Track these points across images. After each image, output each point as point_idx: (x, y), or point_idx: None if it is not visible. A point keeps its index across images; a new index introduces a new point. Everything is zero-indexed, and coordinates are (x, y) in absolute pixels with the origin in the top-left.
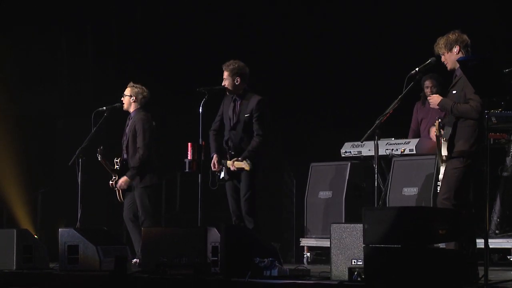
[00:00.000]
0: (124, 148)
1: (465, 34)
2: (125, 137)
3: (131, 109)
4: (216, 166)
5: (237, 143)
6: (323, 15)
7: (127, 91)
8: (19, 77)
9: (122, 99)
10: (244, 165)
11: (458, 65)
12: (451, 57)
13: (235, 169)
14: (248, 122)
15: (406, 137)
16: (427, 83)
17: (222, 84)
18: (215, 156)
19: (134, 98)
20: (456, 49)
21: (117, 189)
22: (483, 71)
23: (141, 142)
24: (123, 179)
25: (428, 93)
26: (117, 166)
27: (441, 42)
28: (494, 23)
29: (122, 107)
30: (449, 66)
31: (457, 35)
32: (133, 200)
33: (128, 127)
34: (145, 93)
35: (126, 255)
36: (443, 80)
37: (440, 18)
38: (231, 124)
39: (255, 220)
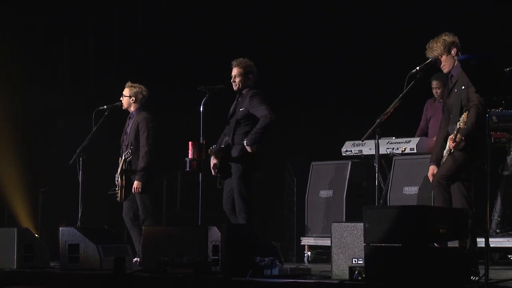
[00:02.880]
0: (124, 147)
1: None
2: (125, 136)
3: (132, 109)
4: (213, 170)
5: (228, 134)
6: (324, 14)
7: (126, 92)
8: (21, 76)
9: (121, 99)
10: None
11: (453, 66)
12: (449, 60)
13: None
14: (242, 116)
15: (407, 136)
16: (434, 83)
17: (232, 80)
18: (212, 158)
19: (133, 98)
20: (453, 51)
21: (119, 189)
22: (484, 70)
23: (144, 141)
24: (136, 184)
25: (434, 93)
26: (124, 166)
27: (437, 45)
28: (494, 22)
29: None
30: (447, 69)
31: (451, 37)
32: (133, 199)
33: (129, 126)
34: (144, 92)
35: (125, 256)
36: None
37: (441, 17)
38: (230, 121)
39: (247, 217)
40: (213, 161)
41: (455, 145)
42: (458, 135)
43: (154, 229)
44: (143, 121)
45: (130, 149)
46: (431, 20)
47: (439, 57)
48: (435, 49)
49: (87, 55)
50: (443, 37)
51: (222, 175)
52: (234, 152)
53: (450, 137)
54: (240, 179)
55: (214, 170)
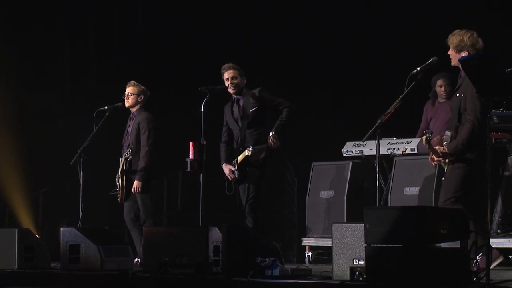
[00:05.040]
0: (125, 148)
1: (480, 40)
2: (127, 137)
3: (134, 109)
4: (231, 176)
5: (243, 138)
6: (324, 14)
7: (133, 90)
8: (21, 75)
9: (126, 98)
10: (247, 152)
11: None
12: (456, 58)
13: (243, 158)
14: (255, 116)
15: (408, 137)
16: (440, 82)
17: (229, 83)
18: (224, 166)
19: (142, 96)
20: (464, 54)
21: (120, 190)
22: (485, 70)
23: (145, 141)
24: (136, 184)
25: (442, 92)
26: (125, 166)
27: (455, 39)
28: (496, 22)
29: (124, 106)
30: (452, 63)
31: (472, 40)
32: (134, 200)
33: (130, 127)
34: (148, 92)
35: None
36: (454, 79)
37: (442, 17)
38: (239, 124)
39: (254, 220)
40: (227, 168)
41: (438, 159)
42: (444, 148)
43: (155, 230)
44: (144, 121)
45: (131, 148)
46: (432, 20)
47: (451, 49)
48: (450, 40)
49: (88, 55)
50: (466, 36)
51: (238, 180)
52: (256, 156)
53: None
54: (260, 182)
55: (232, 176)
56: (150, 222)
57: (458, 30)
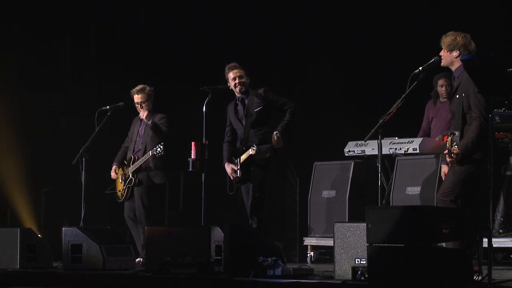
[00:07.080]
0: (135, 148)
1: (473, 43)
2: (138, 138)
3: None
4: (234, 175)
5: (247, 137)
6: (326, 14)
7: (142, 98)
8: (23, 76)
9: (139, 108)
10: (251, 151)
11: (454, 67)
12: (447, 58)
13: (246, 157)
14: (259, 115)
15: (410, 136)
16: (441, 81)
17: (237, 82)
18: (226, 165)
19: (152, 98)
20: (455, 53)
21: (126, 187)
22: (487, 70)
23: (162, 140)
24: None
25: (443, 91)
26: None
27: (447, 39)
28: (498, 21)
29: (125, 106)
30: (443, 63)
31: (464, 40)
32: (135, 199)
33: (142, 127)
34: (151, 88)
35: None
36: None
37: (443, 17)
38: (243, 123)
39: (259, 220)
40: (229, 167)
41: (451, 160)
42: (455, 148)
43: (156, 229)
44: (162, 120)
45: (145, 149)
46: (434, 20)
47: (443, 49)
48: (443, 41)
49: (89, 55)
50: (459, 36)
51: (240, 179)
52: (261, 155)
53: (445, 151)
54: (264, 182)
55: (234, 176)
56: (145, 223)
57: (452, 32)
